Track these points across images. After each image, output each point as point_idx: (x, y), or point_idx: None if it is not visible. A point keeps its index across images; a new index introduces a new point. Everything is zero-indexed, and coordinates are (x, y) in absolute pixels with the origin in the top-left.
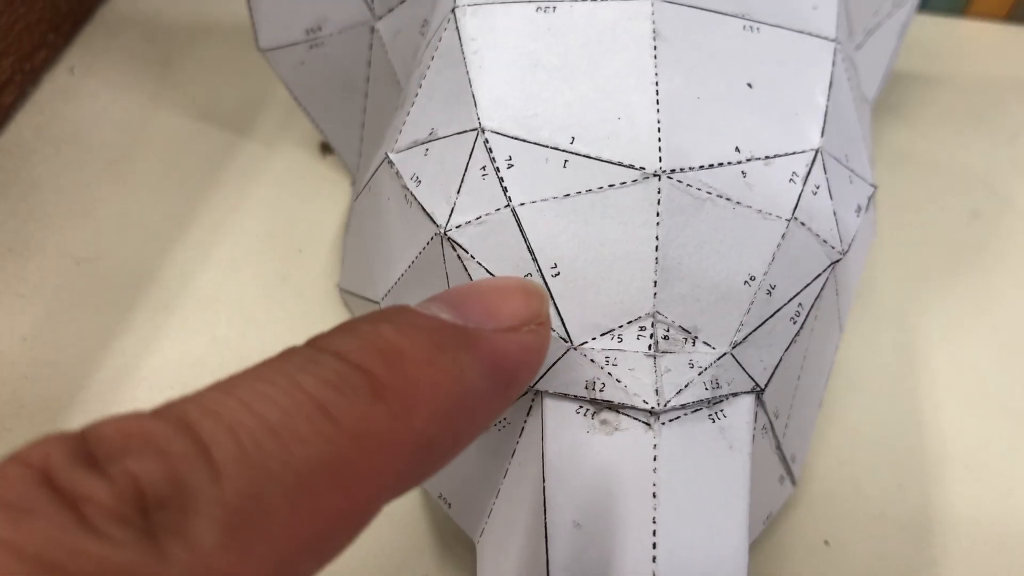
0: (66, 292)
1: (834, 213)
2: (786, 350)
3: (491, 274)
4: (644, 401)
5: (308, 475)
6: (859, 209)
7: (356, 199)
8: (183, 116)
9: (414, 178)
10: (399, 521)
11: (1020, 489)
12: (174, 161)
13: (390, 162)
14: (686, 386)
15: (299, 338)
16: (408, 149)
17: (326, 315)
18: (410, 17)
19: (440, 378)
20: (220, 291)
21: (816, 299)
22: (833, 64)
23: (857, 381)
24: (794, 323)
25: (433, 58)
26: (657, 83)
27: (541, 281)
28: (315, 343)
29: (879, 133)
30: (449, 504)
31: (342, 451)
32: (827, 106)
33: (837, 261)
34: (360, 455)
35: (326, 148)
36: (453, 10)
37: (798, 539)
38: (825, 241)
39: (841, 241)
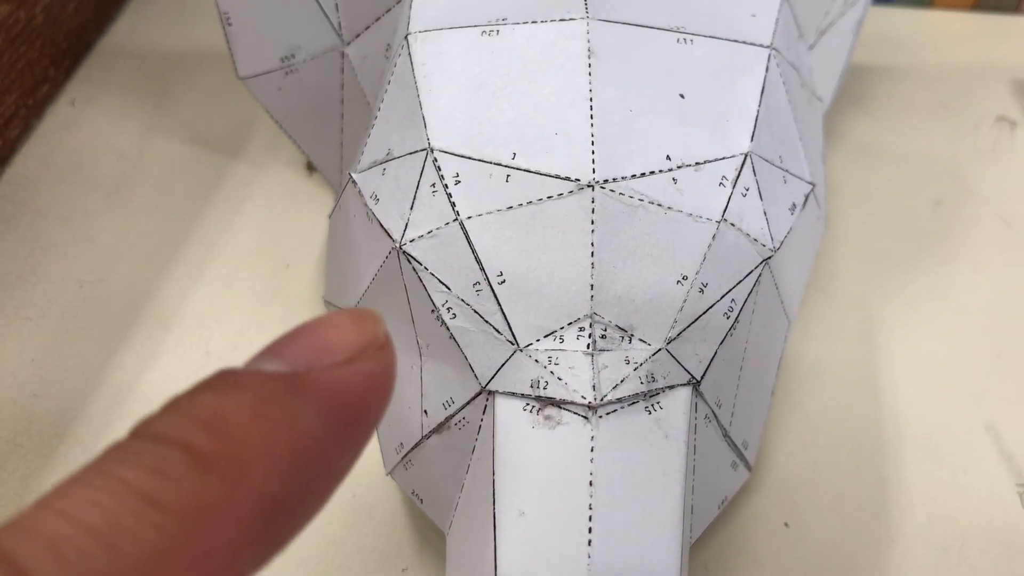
0: (71, 314)
1: (764, 213)
2: (721, 343)
3: (445, 285)
4: (582, 396)
5: (144, 568)
6: (794, 207)
7: (331, 215)
8: (177, 142)
9: (373, 196)
10: (379, 518)
11: (973, 468)
12: (170, 185)
13: (353, 181)
14: (622, 381)
15: None
16: (369, 169)
17: None
18: (375, 42)
19: (270, 431)
20: (214, 307)
21: (750, 294)
22: (767, 70)
23: (819, 368)
24: (728, 318)
25: (390, 82)
26: (591, 99)
27: (489, 289)
28: (138, 431)
29: (844, 126)
30: (421, 500)
31: (176, 534)
32: (758, 112)
33: (769, 258)
34: (197, 533)
35: (312, 166)
36: (406, 36)
37: (759, 522)
38: (756, 240)
39: (773, 239)
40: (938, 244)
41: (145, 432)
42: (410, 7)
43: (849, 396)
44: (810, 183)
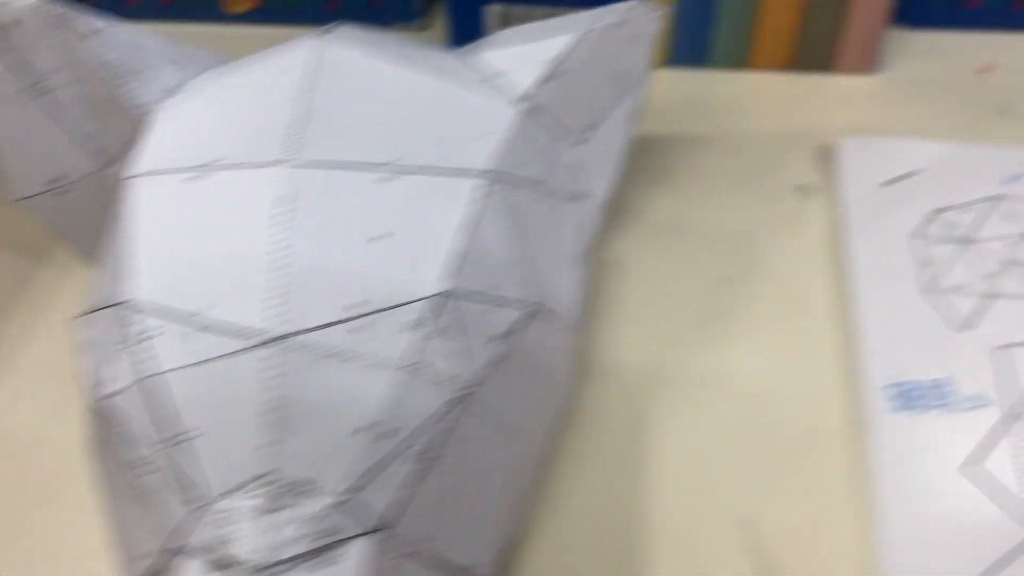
0: None
1: (463, 349)
2: (421, 484)
3: (138, 440)
4: (252, 557)
5: None
6: (509, 333)
7: None
8: None
9: (83, 344)
10: None
11: (715, 566)
12: None
13: (74, 324)
14: (298, 538)
15: None
16: (87, 314)
17: None
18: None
19: None
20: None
21: (450, 432)
22: (481, 199)
23: (587, 461)
24: (425, 458)
25: (114, 224)
26: (281, 249)
27: (179, 444)
28: None
29: (639, 203)
30: None
31: None
32: (458, 246)
33: (468, 394)
34: None
35: None
36: (126, 179)
37: None
38: (452, 377)
39: (473, 373)
40: (722, 325)
41: None
42: (143, 143)
43: (609, 492)
44: (536, 302)
